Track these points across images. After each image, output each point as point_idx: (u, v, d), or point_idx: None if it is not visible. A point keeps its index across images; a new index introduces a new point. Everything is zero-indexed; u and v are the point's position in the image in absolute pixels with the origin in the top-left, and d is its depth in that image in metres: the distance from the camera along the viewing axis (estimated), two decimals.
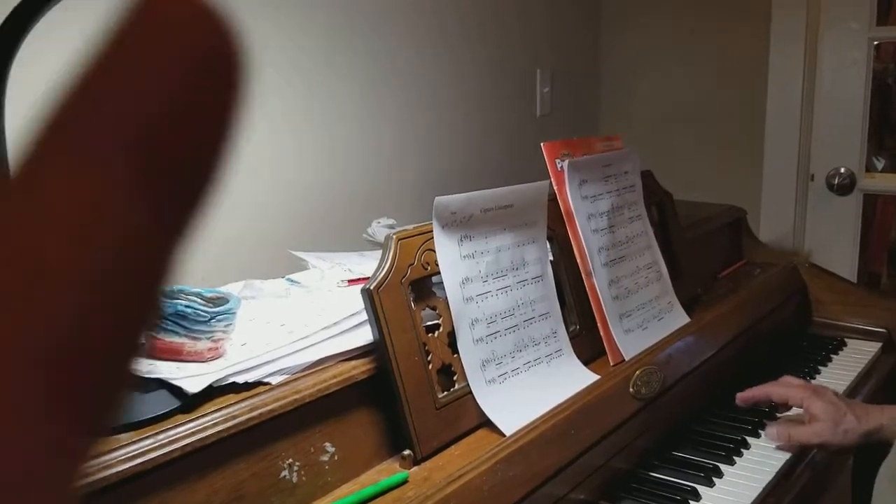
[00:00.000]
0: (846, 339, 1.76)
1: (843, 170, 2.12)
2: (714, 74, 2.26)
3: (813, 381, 1.55)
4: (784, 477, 1.21)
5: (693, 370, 1.36)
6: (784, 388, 1.29)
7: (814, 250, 2.14)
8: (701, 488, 1.14)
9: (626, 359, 1.27)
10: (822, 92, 2.12)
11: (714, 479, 1.17)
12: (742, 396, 1.31)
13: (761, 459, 1.23)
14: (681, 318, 1.44)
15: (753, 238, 1.97)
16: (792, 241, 2.16)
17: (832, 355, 1.68)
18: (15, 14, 0.73)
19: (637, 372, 1.24)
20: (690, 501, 1.12)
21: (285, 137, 1.49)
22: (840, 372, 1.60)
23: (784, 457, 1.23)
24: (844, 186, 2.12)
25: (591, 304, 1.28)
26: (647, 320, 1.37)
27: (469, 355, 1.05)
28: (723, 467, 1.20)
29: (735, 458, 1.23)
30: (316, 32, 1.53)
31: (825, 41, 2.09)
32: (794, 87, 2.13)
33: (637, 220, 1.43)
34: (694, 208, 1.82)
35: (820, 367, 1.62)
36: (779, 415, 1.33)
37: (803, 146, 2.15)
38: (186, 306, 0.86)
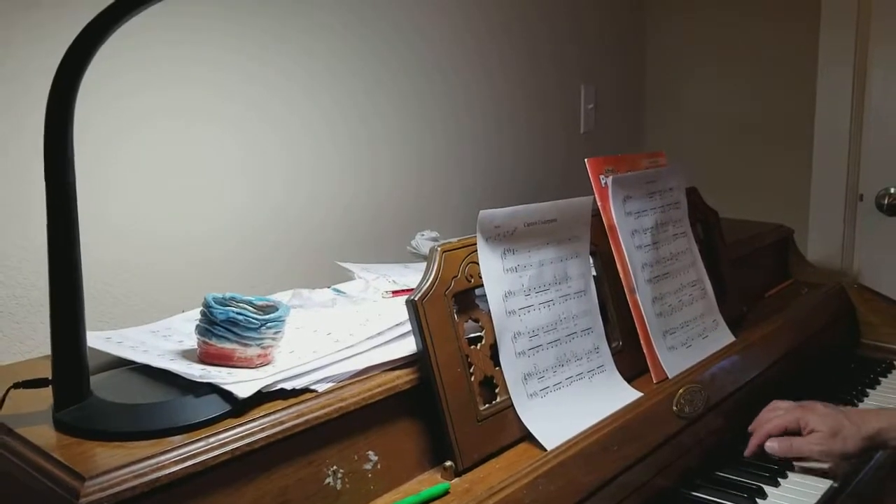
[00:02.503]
0: (895, 363, 1.72)
1: (892, 190, 2.08)
2: (761, 91, 2.24)
3: (860, 405, 1.52)
4: (830, 500, 1.19)
5: (738, 390, 1.34)
6: (777, 419, 1.27)
7: (862, 271, 2.10)
8: None
9: (670, 377, 1.26)
10: (872, 110, 2.08)
11: (758, 500, 1.16)
12: (749, 452, 1.27)
13: (807, 482, 1.21)
14: (726, 337, 1.43)
15: (801, 257, 1.94)
16: (840, 262, 2.12)
17: (881, 378, 1.65)
18: (92, 25, 0.76)
19: (680, 390, 1.23)
20: None
21: (331, 151, 1.52)
22: (888, 395, 1.57)
23: (830, 479, 1.21)
24: (894, 207, 2.08)
25: (634, 320, 1.27)
26: (692, 338, 1.36)
27: (511, 368, 1.06)
28: (767, 488, 1.18)
29: (780, 479, 1.21)
30: (361, 47, 1.56)
31: (875, 57, 2.05)
32: (843, 105, 2.10)
33: (681, 237, 1.42)
34: (740, 226, 1.80)
35: (868, 390, 1.58)
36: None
37: (852, 165, 2.12)
38: (238, 313, 0.88)
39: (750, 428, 1.30)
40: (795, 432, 1.25)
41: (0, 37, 1.06)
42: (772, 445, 1.24)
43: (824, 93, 2.13)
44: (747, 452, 1.27)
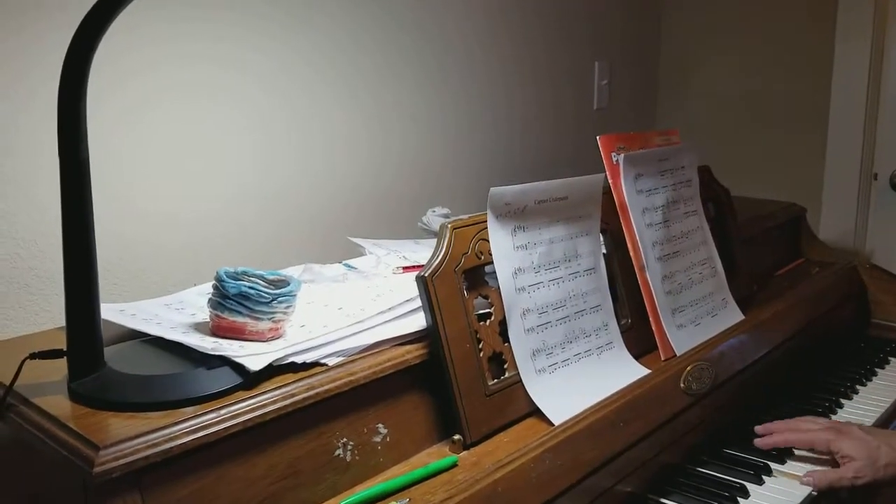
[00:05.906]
0: None
1: None
2: (775, 69, 2.21)
3: (868, 384, 1.52)
4: None
5: (746, 368, 1.35)
6: (806, 433, 1.21)
7: (875, 251, 2.09)
8: (750, 486, 1.14)
9: (678, 354, 1.27)
10: (889, 89, 2.06)
11: (764, 477, 1.16)
12: (761, 442, 1.23)
13: (812, 460, 1.21)
14: (735, 316, 1.43)
15: (813, 236, 1.93)
16: (852, 241, 2.11)
17: (890, 358, 1.65)
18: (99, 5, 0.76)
19: (688, 368, 1.23)
20: (739, 498, 1.11)
21: (342, 127, 1.52)
22: None
23: None
24: None
25: (644, 298, 1.28)
26: (701, 316, 1.36)
27: (520, 344, 1.07)
28: (773, 465, 1.19)
29: (786, 457, 1.22)
30: (372, 24, 1.55)
31: (893, 36, 2.03)
32: (860, 83, 2.07)
33: (693, 216, 1.42)
34: (752, 205, 1.79)
35: (876, 370, 1.58)
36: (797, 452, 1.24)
37: (867, 144, 2.10)
38: (250, 287, 0.89)
39: (769, 427, 1.25)
40: (822, 454, 1.20)
41: (13, 6, 1.07)
42: (809, 480, 1.15)
43: (841, 71, 2.10)
44: (761, 445, 1.23)
